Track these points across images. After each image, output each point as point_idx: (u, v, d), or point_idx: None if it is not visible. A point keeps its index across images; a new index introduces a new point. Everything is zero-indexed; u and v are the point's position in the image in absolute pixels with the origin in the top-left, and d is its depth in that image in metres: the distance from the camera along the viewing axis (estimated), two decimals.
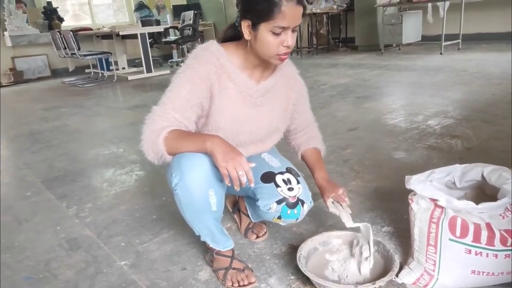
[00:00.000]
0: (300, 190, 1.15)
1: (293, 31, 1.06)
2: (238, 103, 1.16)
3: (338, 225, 1.47)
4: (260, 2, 1.01)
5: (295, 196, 1.13)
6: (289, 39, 1.05)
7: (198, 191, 1.06)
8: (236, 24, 1.12)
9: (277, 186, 1.14)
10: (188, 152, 1.05)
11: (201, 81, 1.11)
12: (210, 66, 1.11)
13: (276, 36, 1.04)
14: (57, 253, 1.47)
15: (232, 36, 1.17)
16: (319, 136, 1.41)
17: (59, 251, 1.48)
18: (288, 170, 1.20)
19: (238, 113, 1.17)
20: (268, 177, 1.17)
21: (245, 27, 1.07)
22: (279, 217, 1.15)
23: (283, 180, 1.15)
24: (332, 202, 1.25)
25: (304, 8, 1.05)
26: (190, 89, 1.10)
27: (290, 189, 1.14)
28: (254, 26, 1.05)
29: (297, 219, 1.16)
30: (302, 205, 1.14)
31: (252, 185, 1.00)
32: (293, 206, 1.13)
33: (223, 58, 1.12)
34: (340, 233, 1.29)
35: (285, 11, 1.00)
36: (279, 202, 1.12)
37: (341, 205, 1.25)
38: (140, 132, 1.11)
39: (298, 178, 1.19)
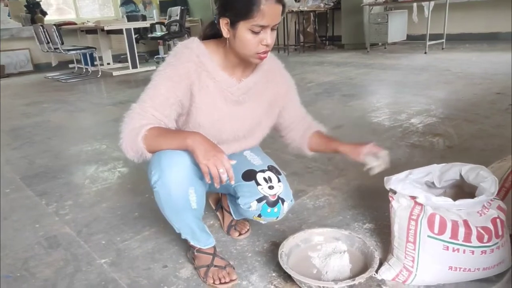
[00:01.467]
0: (281, 188, 1.15)
1: (272, 29, 1.04)
2: (219, 101, 1.15)
3: (320, 222, 1.49)
4: (239, 0, 0.99)
5: (275, 194, 1.13)
6: (268, 37, 1.03)
7: (177, 189, 1.04)
8: (215, 21, 1.10)
9: (258, 184, 1.14)
10: (168, 150, 1.03)
11: (181, 79, 1.09)
12: (190, 64, 1.10)
13: (255, 35, 1.02)
14: (35, 251, 1.44)
15: (212, 34, 1.15)
16: (316, 122, 1.37)
17: (38, 249, 1.45)
18: (270, 168, 1.20)
19: (219, 112, 1.16)
20: (249, 175, 1.16)
21: (223, 25, 1.05)
22: (260, 215, 1.15)
23: (264, 178, 1.15)
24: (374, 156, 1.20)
25: (284, 6, 1.03)
26: (170, 87, 1.08)
27: (271, 187, 1.14)
28: (233, 24, 1.03)
29: (277, 217, 1.16)
30: (283, 204, 1.14)
31: (233, 182, 0.99)
32: (273, 204, 1.13)
33: (203, 56, 1.11)
34: (322, 230, 1.30)
35: (264, 10, 0.98)
36: (259, 200, 1.12)
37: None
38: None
39: (279, 176, 1.19)
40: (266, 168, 1.19)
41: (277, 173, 1.19)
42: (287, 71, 1.32)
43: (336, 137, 1.33)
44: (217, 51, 1.13)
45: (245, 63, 1.14)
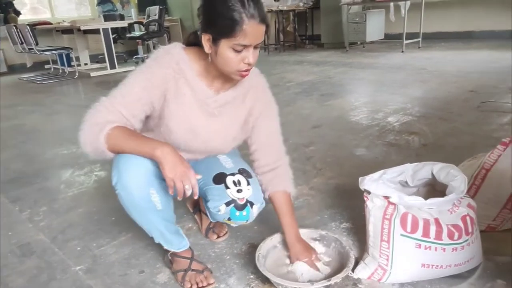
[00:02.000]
0: (250, 191, 1.14)
1: (255, 47, 1.02)
2: (193, 110, 1.13)
3: (298, 223, 1.48)
4: (221, 18, 0.96)
5: (243, 198, 1.13)
6: (251, 56, 1.01)
7: (137, 190, 1.03)
8: (198, 33, 1.08)
9: (227, 187, 1.13)
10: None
11: (157, 83, 1.07)
12: (169, 70, 1.07)
13: (237, 53, 1.00)
14: (8, 260, 1.40)
15: (195, 42, 1.13)
16: (289, 175, 1.26)
17: (11, 258, 1.41)
18: (240, 172, 1.18)
19: (193, 121, 1.14)
20: (220, 178, 1.15)
21: (205, 40, 1.03)
22: (229, 219, 1.15)
23: (233, 181, 1.14)
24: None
25: (267, 26, 1.01)
26: (144, 88, 1.06)
27: (239, 190, 1.13)
28: (215, 41, 1.00)
29: (247, 220, 1.16)
30: (251, 207, 1.14)
31: (196, 197, 0.99)
32: (241, 208, 1.12)
33: (183, 63, 1.09)
34: (300, 231, 1.30)
35: (246, 30, 0.96)
36: (227, 203, 1.12)
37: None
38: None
39: (250, 179, 1.17)
40: (237, 171, 1.18)
41: (247, 176, 1.18)
42: (269, 91, 1.25)
43: (293, 216, 1.23)
44: (198, 59, 1.11)
45: (226, 77, 1.11)
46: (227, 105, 1.17)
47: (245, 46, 0.99)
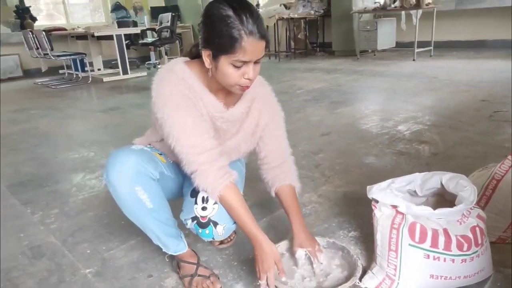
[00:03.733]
0: (214, 211, 1.13)
1: (256, 62, 1.03)
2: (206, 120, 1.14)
3: None
4: (221, 35, 0.97)
5: (206, 216, 1.13)
6: (251, 71, 1.02)
7: (123, 187, 1.04)
8: (199, 48, 1.09)
9: (196, 203, 1.14)
10: (119, 149, 1.07)
11: (185, 101, 1.07)
12: (181, 86, 1.07)
13: (237, 69, 1.00)
14: (19, 262, 1.42)
15: (197, 54, 1.13)
16: (295, 171, 1.29)
17: (22, 259, 1.44)
18: None
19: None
20: (195, 192, 1.15)
21: (205, 56, 1.04)
22: (197, 233, 1.17)
23: (203, 197, 1.13)
24: (306, 254, 1.21)
25: (267, 42, 1.01)
26: (186, 114, 1.06)
27: (204, 208, 1.13)
28: (215, 57, 1.01)
29: (213, 238, 1.16)
30: (215, 226, 1.13)
31: None
32: (203, 226, 1.14)
33: (189, 78, 1.09)
34: None
35: (246, 47, 0.97)
36: (193, 219, 1.14)
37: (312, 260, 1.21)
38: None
39: None
40: None
41: None
42: (275, 99, 1.27)
43: (298, 208, 1.26)
44: (201, 74, 1.12)
45: (228, 90, 1.11)
46: (234, 121, 1.19)
47: (245, 62, 1.00)
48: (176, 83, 1.07)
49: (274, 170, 1.26)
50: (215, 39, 0.99)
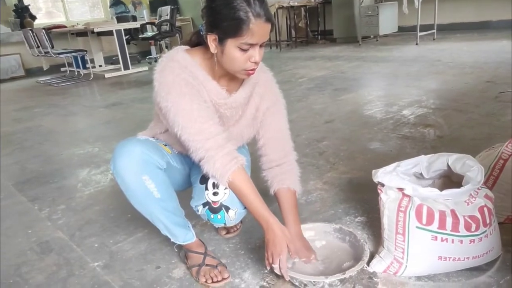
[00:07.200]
0: (226, 196, 1.13)
1: (261, 46, 1.03)
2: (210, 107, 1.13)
3: (312, 217, 1.49)
4: (228, 19, 0.97)
5: (217, 201, 1.13)
6: (257, 55, 1.02)
7: (130, 176, 1.04)
8: (201, 33, 1.08)
9: (206, 188, 1.14)
10: (125, 139, 1.07)
11: (188, 88, 1.06)
12: (184, 75, 1.07)
13: (244, 52, 1.01)
14: (28, 257, 1.44)
15: (198, 42, 1.13)
16: (296, 172, 1.25)
17: (30, 255, 1.45)
18: None
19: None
20: (205, 178, 1.15)
21: (211, 40, 1.03)
22: (208, 219, 1.17)
23: (213, 183, 1.13)
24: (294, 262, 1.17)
25: (273, 24, 1.02)
26: (191, 101, 1.05)
27: (215, 193, 1.13)
28: (221, 41, 1.01)
29: (224, 223, 1.16)
30: (227, 211, 1.13)
31: (287, 279, 1.09)
32: (215, 211, 1.13)
33: (192, 66, 1.09)
34: (313, 225, 1.30)
35: (253, 29, 0.97)
36: (204, 205, 1.14)
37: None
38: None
39: None
40: None
41: None
42: (276, 86, 1.26)
43: (296, 215, 1.22)
44: (203, 61, 1.11)
45: (231, 75, 1.11)
46: (237, 106, 1.18)
47: (252, 45, 1.00)
48: (179, 71, 1.07)
49: (274, 170, 1.23)
50: (222, 22, 0.98)
